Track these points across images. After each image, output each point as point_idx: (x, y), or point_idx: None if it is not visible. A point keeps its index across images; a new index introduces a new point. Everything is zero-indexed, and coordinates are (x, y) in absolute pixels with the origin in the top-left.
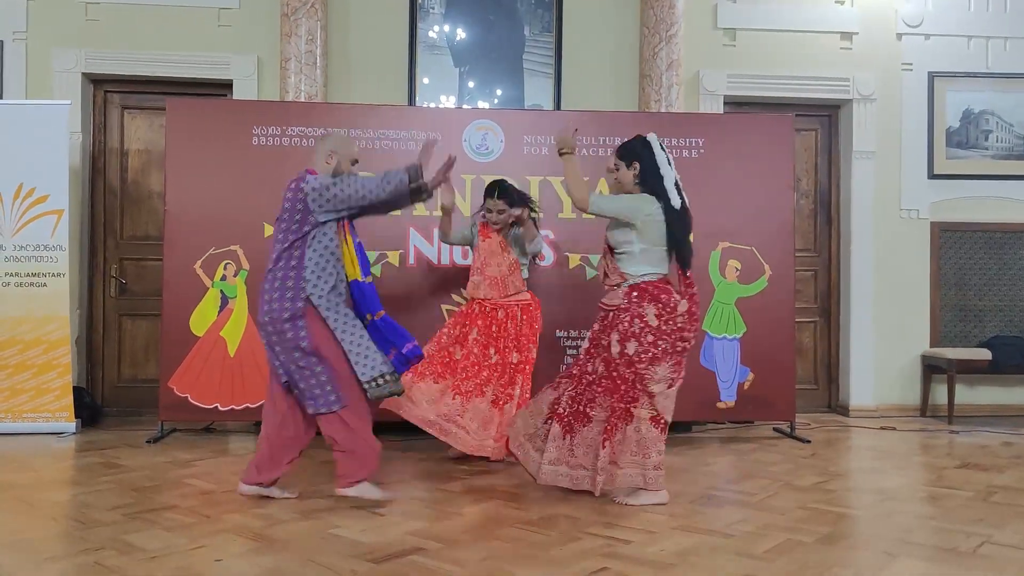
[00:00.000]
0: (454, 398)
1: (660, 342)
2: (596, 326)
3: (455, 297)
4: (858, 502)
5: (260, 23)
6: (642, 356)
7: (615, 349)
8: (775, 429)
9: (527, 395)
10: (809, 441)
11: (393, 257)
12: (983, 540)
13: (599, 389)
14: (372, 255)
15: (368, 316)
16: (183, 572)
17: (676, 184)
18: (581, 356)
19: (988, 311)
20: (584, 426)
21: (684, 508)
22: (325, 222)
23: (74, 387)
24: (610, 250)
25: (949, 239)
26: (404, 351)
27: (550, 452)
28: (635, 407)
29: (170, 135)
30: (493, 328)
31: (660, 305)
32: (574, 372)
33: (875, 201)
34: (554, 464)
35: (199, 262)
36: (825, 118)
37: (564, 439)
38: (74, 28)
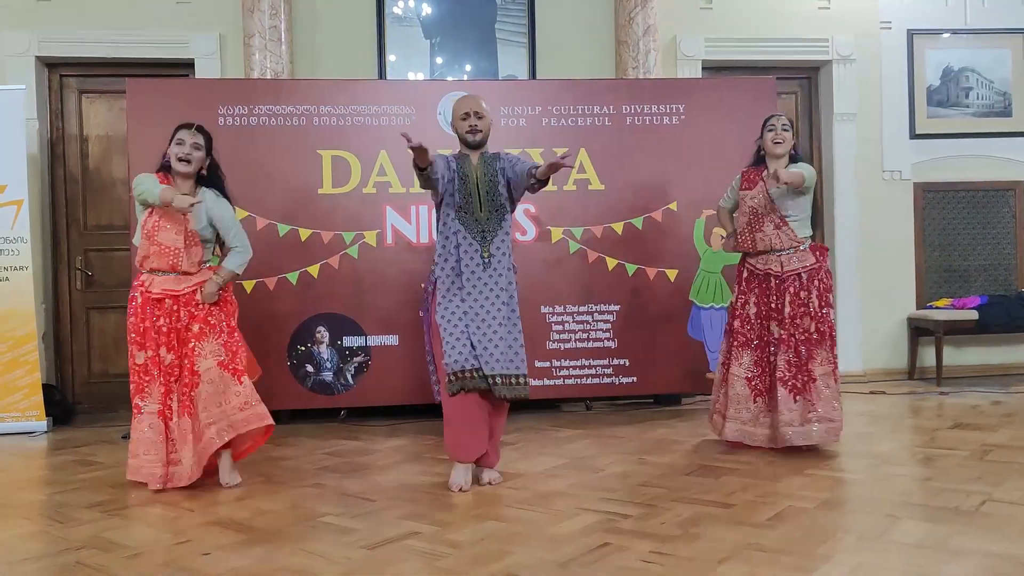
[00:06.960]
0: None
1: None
2: (766, 293)
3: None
4: (854, 467)
5: None
6: (832, 304)
7: (817, 303)
8: None
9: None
10: None
11: (370, 237)
12: (984, 498)
13: (814, 345)
14: (349, 235)
15: None
16: (170, 567)
17: None
18: (755, 323)
19: (973, 271)
20: (813, 382)
21: (680, 480)
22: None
23: (44, 385)
24: (779, 218)
25: (932, 199)
26: None
27: (784, 415)
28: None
29: (131, 118)
30: (161, 322)
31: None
32: (754, 341)
33: (857, 163)
34: (794, 425)
35: None
36: (805, 80)
37: (795, 400)
38: (25, 10)
